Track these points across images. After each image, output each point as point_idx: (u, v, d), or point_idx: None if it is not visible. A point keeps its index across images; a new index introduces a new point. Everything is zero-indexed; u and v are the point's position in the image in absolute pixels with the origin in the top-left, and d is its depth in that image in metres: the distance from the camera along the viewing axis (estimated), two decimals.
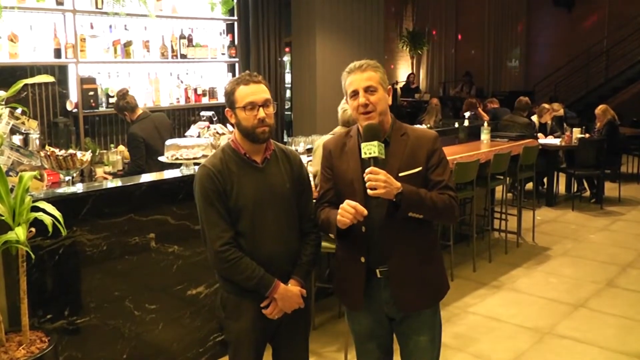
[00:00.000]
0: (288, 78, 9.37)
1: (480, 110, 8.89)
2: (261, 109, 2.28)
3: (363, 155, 2.14)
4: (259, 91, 2.29)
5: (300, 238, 2.43)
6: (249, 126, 2.28)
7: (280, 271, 2.33)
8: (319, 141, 3.88)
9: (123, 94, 4.94)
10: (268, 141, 2.38)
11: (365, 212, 2.14)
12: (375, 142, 2.12)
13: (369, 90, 2.21)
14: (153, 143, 4.73)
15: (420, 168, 2.23)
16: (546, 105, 8.41)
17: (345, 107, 3.86)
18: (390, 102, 2.29)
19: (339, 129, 3.82)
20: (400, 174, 2.18)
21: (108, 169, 5.10)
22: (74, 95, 5.47)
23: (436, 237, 2.46)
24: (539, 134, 7.99)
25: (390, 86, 2.30)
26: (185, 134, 4.50)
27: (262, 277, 2.27)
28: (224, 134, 4.16)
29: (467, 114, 8.48)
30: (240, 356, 2.39)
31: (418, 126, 2.22)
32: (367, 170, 2.11)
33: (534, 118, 8.31)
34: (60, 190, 3.03)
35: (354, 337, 2.49)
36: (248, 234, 2.30)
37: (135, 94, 5.79)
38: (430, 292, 2.35)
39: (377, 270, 2.28)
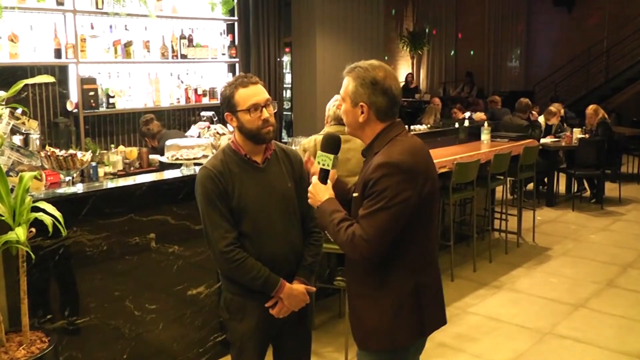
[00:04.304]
0: (288, 78, 9.37)
1: (479, 114, 8.87)
2: (264, 109, 2.28)
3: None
4: (259, 92, 2.29)
5: (304, 237, 2.43)
6: (254, 128, 2.27)
7: (284, 271, 2.33)
8: (307, 142, 3.76)
9: (147, 121, 5.16)
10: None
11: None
12: (318, 153, 2.13)
13: (342, 99, 2.09)
14: None
15: (357, 194, 2.04)
16: (553, 109, 8.35)
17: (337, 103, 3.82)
18: (360, 120, 2.04)
19: (329, 128, 3.72)
20: (354, 195, 2.10)
21: (108, 169, 5.10)
22: (74, 96, 5.46)
23: (387, 278, 2.03)
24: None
25: (363, 104, 2.02)
26: (186, 134, 4.49)
27: (268, 277, 2.27)
28: (224, 134, 4.16)
29: (467, 114, 8.47)
30: (243, 357, 2.39)
31: (397, 144, 1.99)
32: None
33: (541, 119, 8.28)
34: (61, 191, 3.02)
35: None
36: (251, 235, 2.29)
37: (135, 94, 5.81)
38: (359, 332, 2.12)
39: None
